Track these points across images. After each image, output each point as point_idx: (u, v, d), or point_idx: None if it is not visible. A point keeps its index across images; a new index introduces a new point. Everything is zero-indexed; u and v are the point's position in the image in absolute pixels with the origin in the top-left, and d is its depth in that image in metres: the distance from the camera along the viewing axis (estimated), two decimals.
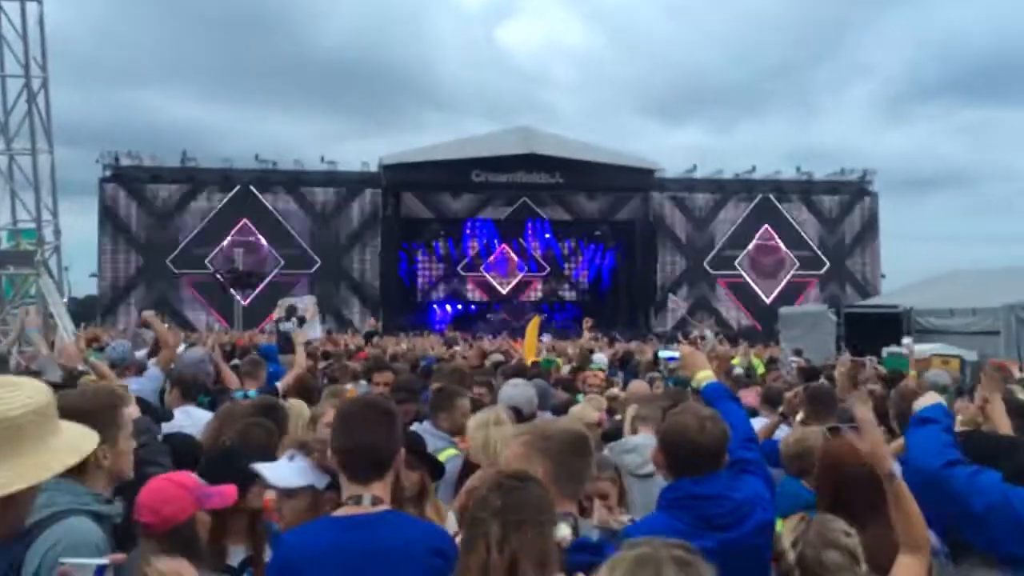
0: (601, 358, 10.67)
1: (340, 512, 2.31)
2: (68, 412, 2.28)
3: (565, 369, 9.09)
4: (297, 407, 4.56)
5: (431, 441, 3.87)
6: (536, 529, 1.91)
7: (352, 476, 2.33)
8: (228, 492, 2.46)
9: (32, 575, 2.01)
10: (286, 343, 12.69)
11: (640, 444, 4.00)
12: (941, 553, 2.63)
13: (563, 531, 2.00)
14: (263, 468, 2.60)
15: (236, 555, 2.65)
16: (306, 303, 15.44)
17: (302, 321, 13.69)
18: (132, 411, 2.47)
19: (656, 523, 2.48)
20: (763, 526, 2.58)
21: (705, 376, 3.31)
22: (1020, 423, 4.70)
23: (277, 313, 16.10)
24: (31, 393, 1.93)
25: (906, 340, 11.89)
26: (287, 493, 2.60)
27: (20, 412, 1.89)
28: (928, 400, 2.93)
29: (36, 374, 6.14)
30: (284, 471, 2.64)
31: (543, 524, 1.94)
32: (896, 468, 2.51)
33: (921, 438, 2.68)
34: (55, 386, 4.37)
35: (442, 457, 3.56)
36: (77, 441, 2.05)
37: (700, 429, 2.64)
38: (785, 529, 2.13)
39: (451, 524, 2.83)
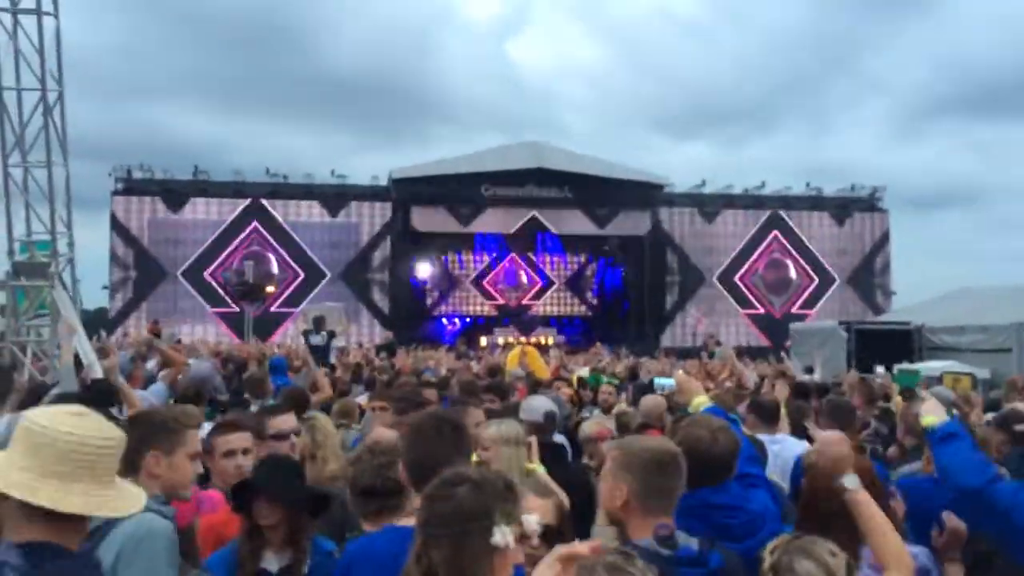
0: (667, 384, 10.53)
1: (404, 522, 2.39)
2: (143, 422, 2.34)
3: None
4: (323, 422, 4.59)
5: None
6: (456, 541, 1.84)
7: (416, 487, 2.40)
8: (216, 498, 2.54)
9: (111, 564, 2.04)
10: (317, 355, 12.50)
11: None
12: (934, 571, 2.62)
13: (496, 537, 1.87)
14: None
15: (273, 562, 2.74)
16: (336, 314, 14.96)
17: (332, 335, 13.45)
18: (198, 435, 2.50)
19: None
20: (774, 537, 2.59)
21: (701, 402, 3.42)
22: (1009, 437, 4.74)
23: (302, 323, 15.55)
24: (109, 427, 1.93)
25: (879, 370, 11.60)
26: None
27: (115, 442, 1.90)
28: (931, 409, 2.93)
29: (50, 385, 6.22)
30: None
31: (467, 534, 1.85)
32: (852, 481, 2.53)
33: (956, 455, 2.66)
34: (73, 397, 4.43)
35: None
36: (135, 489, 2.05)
37: (713, 440, 2.76)
38: (772, 542, 2.12)
39: None
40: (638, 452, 2.46)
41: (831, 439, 2.71)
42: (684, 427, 3.01)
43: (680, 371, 4.56)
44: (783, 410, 5.29)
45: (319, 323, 13.94)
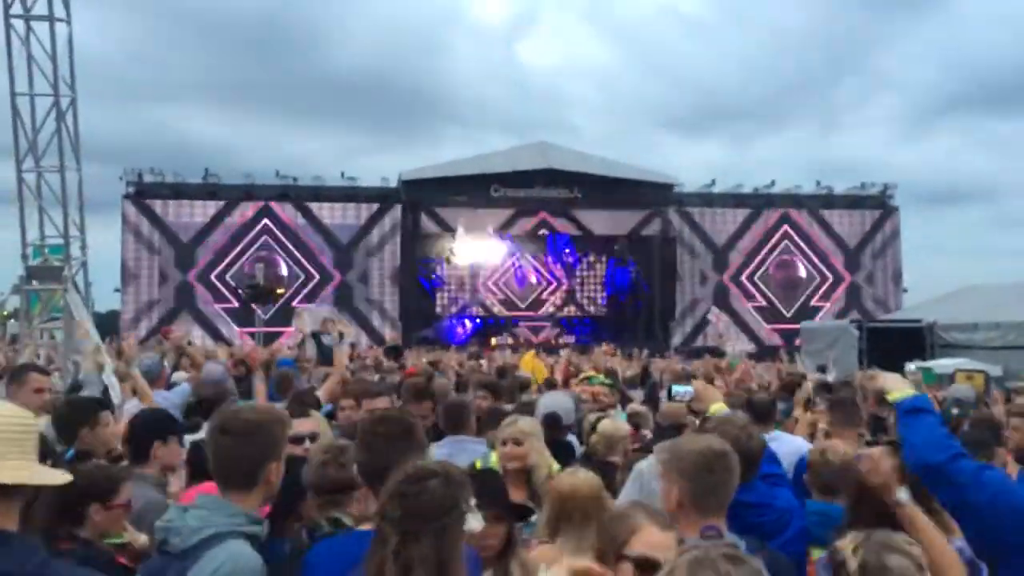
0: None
1: (364, 526, 2.40)
2: (239, 424, 2.32)
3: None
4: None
5: (473, 449, 3.93)
6: (435, 535, 1.88)
7: (373, 492, 2.41)
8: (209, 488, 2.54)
9: None
10: (326, 356, 12.55)
11: None
12: (978, 564, 2.63)
13: (471, 523, 1.94)
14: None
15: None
16: (333, 315, 15.11)
17: (341, 336, 13.50)
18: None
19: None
20: (801, 534, 2.79)
21: (719, 408, 3.46)
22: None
23: (307, 325, 15.59)
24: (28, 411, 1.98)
25: (911, 367, 11.72)
26: None
27: (36, 425, 1.94)
28: (895, 383, 2.94)
29: (78, 388, 6.29)
30: None
31: (444, 528, 1.89)
32: (904, 495, 2.64)
33: (921, 430, 2.67)
34: (97, 401, 4.47)
35: (492, 462, 3.59)
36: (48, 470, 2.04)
37: (749, 436, 2.88)
38: (843, 541, 2.10)
39: None
40: (688, 453, 2.47)
41: (878, 456, 2.74)
42: (716, 427, 3.06)
43: (699, 380, 4.63)
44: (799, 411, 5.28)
45: (327, 324, 13.95)
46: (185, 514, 2.20)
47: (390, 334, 34.86)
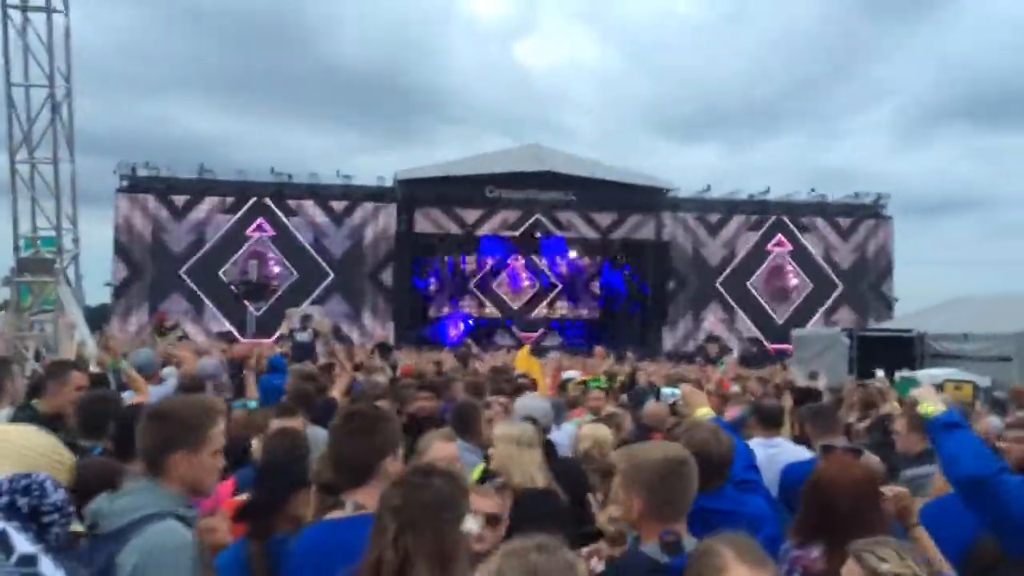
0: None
1: (332, 515, 2.47)
2: (164, 415, 2.35)
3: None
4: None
5: (462, 455, 3.93)
6: (434, 527, 1.90)
7: (342, 484, 2.49)
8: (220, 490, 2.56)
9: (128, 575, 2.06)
10: (302, 353, 12.69)
11: None
12: None
13: (468, 524, 1.99)
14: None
15: None
16: (318, 315, 15.20)
17: (316, 334, 13.57)
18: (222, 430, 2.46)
19: None
20: (770, 541, 2.71)
21: (705, 413, 3.50)
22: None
23: (288, 324, 15.74)
24: None
25: (879, 373, 11.83)
26: None
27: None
28: (927, 395, 2.95)
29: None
30: None
31: (444, 522, 1.92)
32: (914, 517, 2.74)
33: (962, 444, 2.69)
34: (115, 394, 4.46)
35: (475, 474, 3.59)
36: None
37: (718, 442, 2.89)
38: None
39: None
40: (646, 463, 2.48)
41: (899, 494, 2.78)
42: (686, 431, 3.08)
43: (688, 385, 4.68)
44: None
45: (305, 321, 14.11)
46: (115, 499, 2.22)
47: (381, 333, 34.84)
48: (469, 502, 2.03)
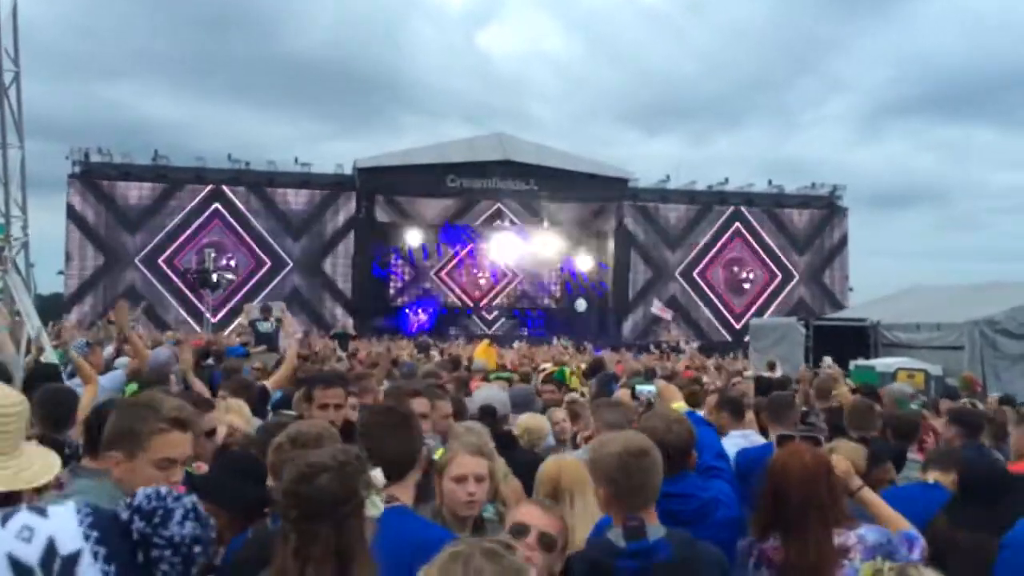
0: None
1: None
2: (108, 413, 2.26)
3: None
4: (236, 406, 4.55)
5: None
6: (332, 527, 1.87)
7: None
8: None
9: None
10: (266, 341, 12.64)
11: None
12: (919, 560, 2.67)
13: (371, 510, 1.94)
14: None
15: None
16: (280, 308, 15.16)
17: (279, 322, 13.52)
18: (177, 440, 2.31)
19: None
20: (728, 522, 2.95)
21: (679, 407, 3.60)
22: (964, 430, 4.93)
23: (248, 315, 15.65)
24: (17, 395, 1.90)
25: (827, 359, 12.49)
26: None
27: (18, 410, 1.86)
28: None
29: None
30: None
31: (343, 517, 1.89)
32: (857, 481, 2.96)
33: None
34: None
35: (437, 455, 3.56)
36: (43, 454, 2.01)
37: (667, 430, 3.01)
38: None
39: None
40: (607, 456, 2.57)
41: (837, 463, 2.94)
42: (643, 419, 3.31)
43: (661, 380, 4.83)
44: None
45: (266, 311, 14.14)
46: (63, 498, 2.14)
47: (342, 323, 34.59)
48: (368, 481, 1.95)
